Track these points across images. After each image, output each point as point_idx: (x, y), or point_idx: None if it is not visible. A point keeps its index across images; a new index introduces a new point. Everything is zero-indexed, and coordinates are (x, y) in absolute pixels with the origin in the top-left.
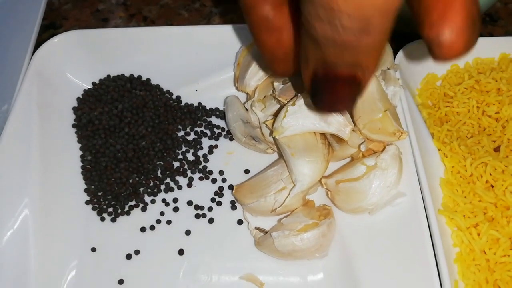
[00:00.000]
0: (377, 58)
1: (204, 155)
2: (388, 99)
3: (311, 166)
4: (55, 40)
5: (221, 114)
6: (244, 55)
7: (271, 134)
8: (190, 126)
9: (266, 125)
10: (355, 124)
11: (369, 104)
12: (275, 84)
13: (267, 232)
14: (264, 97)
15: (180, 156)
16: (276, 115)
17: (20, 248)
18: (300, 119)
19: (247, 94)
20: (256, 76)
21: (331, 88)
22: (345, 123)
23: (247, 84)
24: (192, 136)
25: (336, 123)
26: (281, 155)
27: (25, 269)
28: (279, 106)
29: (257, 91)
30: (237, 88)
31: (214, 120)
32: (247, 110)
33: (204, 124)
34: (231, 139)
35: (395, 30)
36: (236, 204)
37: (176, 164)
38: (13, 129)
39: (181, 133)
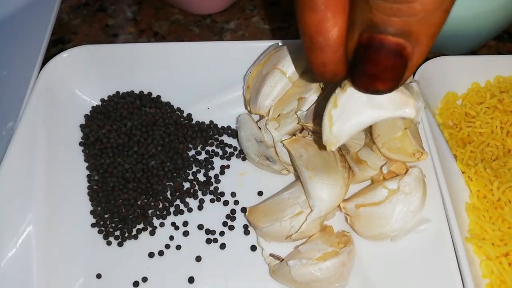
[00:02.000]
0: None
1: (216, 176)
2: None
3: (330, 191)
4: (64, 55)
5: (233, 133)
6: (253, 76)
7: (290, 155)
8: (201, 145)
9: (284, 144)
10: (373, 143)
11: (388, 121)
12: (298, 113)
13: (282, 259)
14: (279, 115)
15: (191, 177)
16: (293, 133)
17: (23, 270)
18: (349, 120)
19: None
20: (269, 96)
21: (374, 56)
22: (403, 100)
23: (261, 105)
24: (203, 156)
25: (392, 104)
26: (297, 177)
27: None
28: (294, 124)
29: (271, 109)
30: (249, 111)
31: (226, 139)
32: (260, 129)
33: (215, 143)
34: (244, 158)
35: None
36: (249, 228)
37: (187, 185)
38: (18, 147)
39: (192, 152)
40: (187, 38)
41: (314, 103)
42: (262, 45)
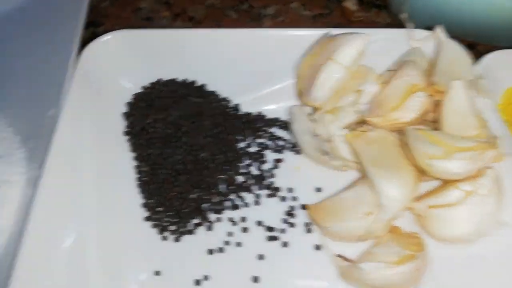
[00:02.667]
0: None
1: (270, 170)
2: (480, 113)
3: (401, 190)
4: (103, 39)
5: (284, 125)
6: (305, 66)
7: (352, 151)
8: (250, 137)
9: (346, 139)
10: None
11: (460, 119)
12: (359, 106)
13: (351, 261)
14: (334, 108)
15: (243, 170)
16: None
17: (78, 267)
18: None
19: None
20: (324, 88)
21: None
22: None
23: (315, 97)
24: (253, 148)
25: None
26: (360, 174)
27: None
28: (351, 117)
29: (326, 101)
30: (301, 103)
31: (276, 130)
32: (313, 121)
33: (265, 135)
34: (297, 152)
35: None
36: (311, 226)
37: (239, 178)
38: (63, 138)
39: (242, 145)
40: (225, 24)
41: (373, 95)
42: (314, 33)
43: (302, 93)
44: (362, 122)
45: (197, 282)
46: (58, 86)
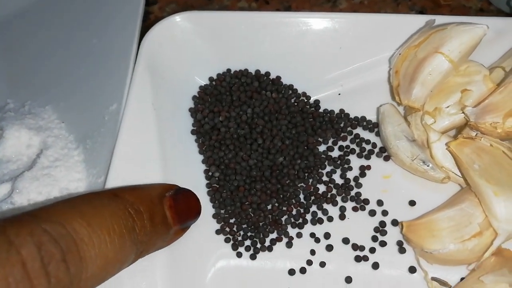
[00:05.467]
0: None
1: (356, 178)
2: None
3: None
4: (164, 23)
5: (371, 126)
6: (404, 59)
7: (457, 162)
8: (332, 139)
9: (449, 147)
10: None
11: None
12: (467, 110)
13: (450, 286)
14: (435, 109)
15: (325, 178)
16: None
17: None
18: None
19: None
20: (427, 85)
21: None
22: None
23: (416, 96)
24: (336, 153)
25: None
26: (463, 187)
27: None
28: (454, 120)
29: (426, 101)
30: (398, 102)
31: (361, 132)
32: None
33: (349, 137)
34: (386, 158)
35: None
36: (405, 245)
37: (321, 188)
38: (128, 136)
39: (322, 148)
40: (295, 4)
41: (483, 97)
42: (413, 19)
43: (398, 90)
44: (466, 128)
45: None
46: (120, 77)
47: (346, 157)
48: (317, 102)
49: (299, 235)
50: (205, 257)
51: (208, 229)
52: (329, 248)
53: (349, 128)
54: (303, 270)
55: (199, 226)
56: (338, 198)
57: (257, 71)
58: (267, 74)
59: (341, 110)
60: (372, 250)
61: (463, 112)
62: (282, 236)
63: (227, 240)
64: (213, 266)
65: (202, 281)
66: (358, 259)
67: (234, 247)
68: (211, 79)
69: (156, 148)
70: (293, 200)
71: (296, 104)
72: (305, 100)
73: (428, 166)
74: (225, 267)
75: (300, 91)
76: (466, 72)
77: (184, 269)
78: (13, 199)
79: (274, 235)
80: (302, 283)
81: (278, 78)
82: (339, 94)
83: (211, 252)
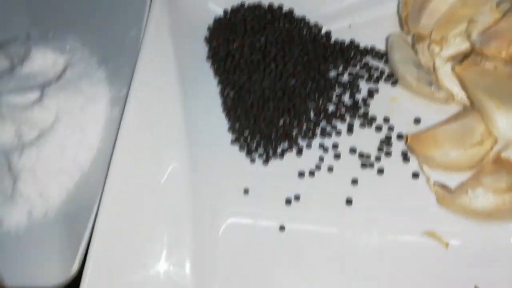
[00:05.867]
0: None
1: (364, 100)
2: None
3: None
4: None
5: (379, 54)
6: None
7: (462, 84)
8: (342, 66)
9: (455, 71)
10: None
11: None
12: (473, 37)
13: (449, 189)
14: (441, 38)
15: (335, 99)
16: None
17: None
18: None
19: (414, 35)
20: (436, 14)
21: None
22: None
23: (425, 24)
24: (346, 78)
25: None
26: (467, 106)
27: (181, 216)
28: (459, 48)
29: (433, 30)
30: (404, 30)
31: (370, 61)
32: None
33: (359, 64)
34: (393, 83)
35: None
36: (409, 155)
37: (331, 107)
38: (147, 62)
39: (333, 74)
40: None
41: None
42: None
43: (407, 19)
44: (470, 54)
45: (288, 201)
46: (140, 4)
47: (355, 82)
48: (328, 33)
49: (308, 145)
50: (222, 163)
51: (225, 142)
52: (337, 156)
53: (358, 57)
54: (311, 173)
55: (216, 140)
56: (347, 116)
57: (271, 4)
58: (281, 7)
59: (352, 40)
60: (378, 159)
61: (469, 40)
62: (293, 146)
63: (241, 148)
64: (230, 170)
65: (224, 181)
66: (364, 165)
67: (248, 154)
68: (225, 11)
69: (174, 71)
70: (304, 117)
71: (308, 34)
72: (317, 31)
73: (433, 88)
74: (241, 170)
75: (312, 23)
76: (471, 2)
77: (205, 174)
78: (44, 102)
79: (285, 146)
80: (311, 184)
81: (291, 10)
82: (350, 26)
83: (228, 159)
